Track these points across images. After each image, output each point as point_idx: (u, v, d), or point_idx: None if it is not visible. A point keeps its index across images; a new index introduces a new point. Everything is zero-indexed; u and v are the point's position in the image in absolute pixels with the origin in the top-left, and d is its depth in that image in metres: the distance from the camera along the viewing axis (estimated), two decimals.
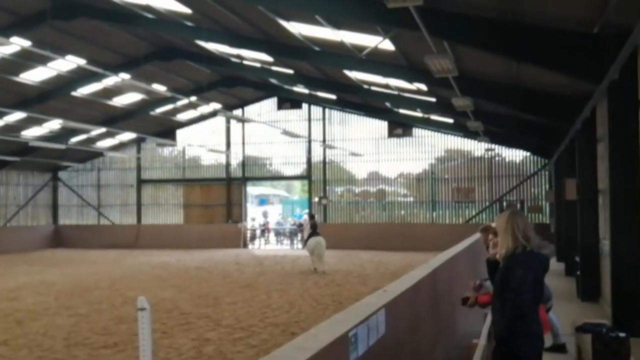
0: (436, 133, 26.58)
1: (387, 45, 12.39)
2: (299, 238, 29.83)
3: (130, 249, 27.68)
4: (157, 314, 9.91)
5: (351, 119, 28.10)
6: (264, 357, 2.57)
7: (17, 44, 13.20)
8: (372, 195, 28.27)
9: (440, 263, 6.32)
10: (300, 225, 29.99)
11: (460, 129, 22.46)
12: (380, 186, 28.16)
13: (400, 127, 26.85)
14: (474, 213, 26.51)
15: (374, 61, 14.07)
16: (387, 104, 23.05)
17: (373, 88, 19.22)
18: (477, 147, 26.03)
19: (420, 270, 5.55)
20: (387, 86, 17.94)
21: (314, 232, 18.03)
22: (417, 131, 27.00)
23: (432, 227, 26.21)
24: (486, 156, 26.12)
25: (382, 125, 27.41)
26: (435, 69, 9.67)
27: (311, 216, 23.66)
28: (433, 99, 18.05)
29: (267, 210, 41.55)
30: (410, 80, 15.30)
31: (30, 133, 24.92)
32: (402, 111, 24.03)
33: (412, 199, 27.75)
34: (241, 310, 10.98)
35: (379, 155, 27.75)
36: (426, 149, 27.05)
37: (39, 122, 22.99)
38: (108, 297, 12.71)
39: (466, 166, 26.62)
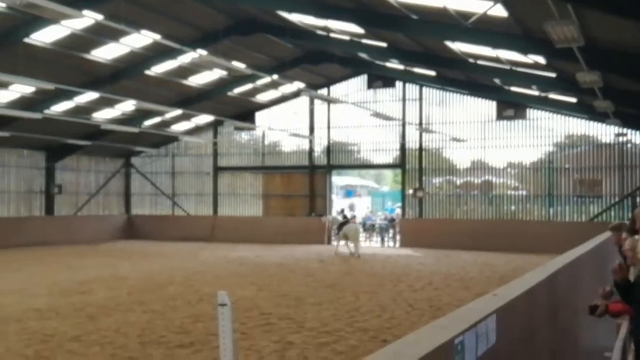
0: (555, 115, 25.59)
1: (498, 11, 12.06)
2: (390, 235, 29.78)
3: (206, 242, 28.75)
4: (235, 314, 10.18)
5: (453, 99, 27.60)
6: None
7: (91, 17, 13.92)
8: (476, 187, 27.68)
9: (560, 266, 6.11)
10: (393, 220, 29.92)
11: (586, 110, 21.58)
12: (487, 177, 27.51)
13: (511, 108, 26.02)
14: (600, 210, 25.33)
15: (482, 30, 13.75)
16: (497, 81, 22.44)
17: (480, 62, 18.80)
18: (606, 132, 24.95)
19: (536, 274, 5.38)
20: (497, 60, 17.50)
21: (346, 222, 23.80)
22: (532, 113, 26.09)
23: (549, 226, 25.34)
24: (617, 143, 24.91)
25: (489, 106, 26.72)
26: (557, 38, 9.31)
27: (342, 210, 26.13)
28: (553, 75, 17.46)
29: (355, 203, 41.73)
30: (526, 52, 14.86)
31: (102, 116, 26.41)
32: (514, 89, 23.34)
33: (524, 192, 26.91)
34: (326, 312, 11.14)
35: (485, 141, 27.09)
36: (543, 133, 26.09)
37: (111, 103, 24.30)
38: (183, 294, 13.28)
39: (592, 154, 25.49)
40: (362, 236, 31.22)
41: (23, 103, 22.41)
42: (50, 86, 16.87)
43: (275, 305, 11.84)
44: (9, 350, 8.29)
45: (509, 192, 27.24)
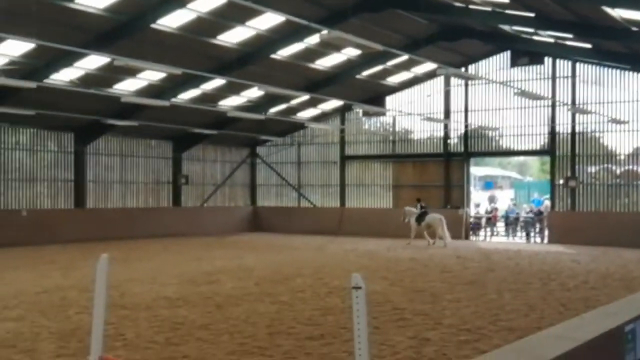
0: None
1: None
2: (537, 229, 28.74)
3: (333, 235, 29.17)
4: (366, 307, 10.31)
5: (611, 75, 26.08)
6: (517, 340, 2.52)
7: None
8: (639, 176, 26.02)
9: None
10: (540, 213, 28.83)
11: None
12: None
13: None
14: None
15: None
16: None
17: None
18: None
19: None
20: None
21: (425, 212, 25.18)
22: None
23: None
24: None
25: None
26: None
27: (418, 200, 26.62)
28: None
29: (495, 195, 40.68)
30: None
31: (228, 103, 27.51)
32: None
33: None
34: (466, 309, 10.93)
35: None
36: None
37: (237, 90, 25.28)
38: (311, 286, 13.57)
39: None
40: (502, 231, 30.47)
41: (150, 91, 23.83)
42: (177, 71, 17.79)
43: (409, 301, 11.79)
44: (139, 335, 8.86)
45: None
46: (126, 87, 23.70)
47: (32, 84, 18.18)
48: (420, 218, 25.15)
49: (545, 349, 2.38)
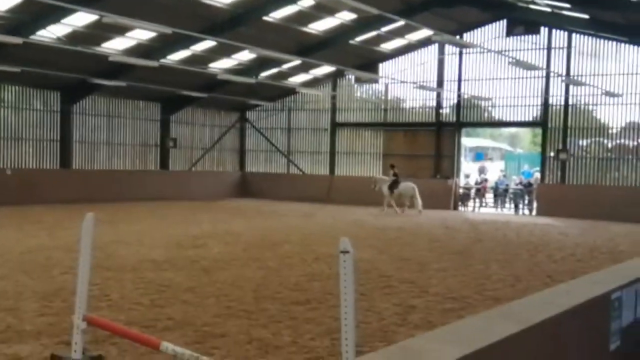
0: None
1: None
2: (526, 201, 28.93)
3: (322, 203, 29.24)
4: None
5: (608, 48, 26.02)
6: (504, 304, 2.54)
7: None
8: (630, 151, 26.14)
9: None
10: (530, 185, 29.00)
11: None
12: None
13: None
14: None
15: None
16: None
17: None
18: None
19: None
20: None
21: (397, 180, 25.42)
22: None
23: None
24: None
25: None
26: None
27: (392, 166, 26.74)
28: None
29: (485, 166, 40.87)
30: None
31: (218, 65, 27.27)
32: None
33: None
34: (452, 279, 11.04)
35: None
36: None
37: (227, 52, 25.02)
38: (299, 253, 13.63)
39: None
40: (491, 202, 30.66)
41: (139, 51, 23.56)
42: (167, 30, 17.57)
43: (396, 269, 11.87)
44: (123, 297, 8.89)
45: None
46: (115, 45, 23.40)
47: (18, 40, 17.92)
48: (392, 186, 25.43)
49: (531, 313, 2.41)
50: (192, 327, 7.36)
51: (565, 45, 26.76)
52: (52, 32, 21.07)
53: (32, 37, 20.42)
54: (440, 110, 30.01)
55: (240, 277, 10.65)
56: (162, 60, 23.96)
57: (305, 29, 24.51)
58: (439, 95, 29.54)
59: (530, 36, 27.16)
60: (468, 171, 35.58)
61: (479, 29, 28.15)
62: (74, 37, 21.66)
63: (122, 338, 6.36)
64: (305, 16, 23.33)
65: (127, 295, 9.03)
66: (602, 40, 25.91)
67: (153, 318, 7.75)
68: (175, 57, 25.33)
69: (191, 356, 5.33)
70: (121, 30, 21.00)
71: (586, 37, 26.21)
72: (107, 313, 7.80)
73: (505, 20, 27.30)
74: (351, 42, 26.58)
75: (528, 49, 27.30)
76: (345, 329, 4.50)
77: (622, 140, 26.38)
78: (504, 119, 29.63)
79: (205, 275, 10.73)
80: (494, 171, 39.29)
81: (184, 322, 7.57)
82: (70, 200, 24.34)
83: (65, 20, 20.49)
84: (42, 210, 21.84)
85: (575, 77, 25.99)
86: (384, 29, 25.37)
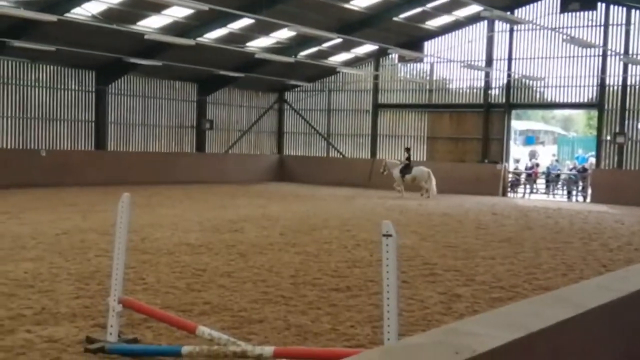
0: None
1: None
2: (579, 187, 28.47)
3: (362, 188, 29.19)
4: None
5: None
6: (551, 291, 2.51)
7: None
8: None
9: None
10: (584, 170, 28.51)
11: None
12: None
13: None
14: None
15: None
16: None
17: None
18: None
19: None
20: None
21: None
22: None
23: None
24: None
25: None
26: None
27: (407, 149, 26.95)
28: None
29: (537, 151, 40.32)
30: None
31: (256, 44, 27.33)
32: None
33: None
34: (500, 267, 10.94)
35: None
36: None
37: (266, 30, 25.04)
38: (338, 238, 13.66)
39: None
40: (543, 188, 30.25)
41: (175, 29, 23.76)
42: (204, 7, 17.66)
43: (441, 256, 11.81)
44: (159, 280, 9.03)
45: None
46: (150, 24, 23.66)
47: (52, 17, 18.22)
48: (404, 170, 25.40)
49: (585, 299, 2.36)
50: (229, 312, 7.45)
51: (624, 21, 26.12)
52: (87, 10, 21.37)
53: (67, 14, 20.73)
54: (489, 91, 29.61)
55: (278, 262, 10.73)
56: (199, 39, 24.10)
57: (346, 6, 24.38)
58: (487, 75, 29.13)
59: (586, 12, 26.54)
60: (518, 156, 35.05)
61: (532, 5, 27.65)
62: (110, 15, 21.93)
63: (158, 322, 6.48)
64: None
65: (163, 278, 9.17)
66: None
67: (189, 302, 7.86)
68: (212, 35, 25.47)
69: (228, 341, 5.40)
70: (157, 8, 21.18)
71: None
72: (143, 296, 7.92)
73: None
74: (395, 19, 26.35)
75: (584, 26, 26.71)
76: (387, 315, 4.51)
77: None
78: (557, 101, 29.10)
79: (242, 260, 10.83)
80: (546, 156, 38.70)
81: (220, 307, 7.66)
82: (105, 183, 24.77)
83: None
84: (76, 192, 22.28)
85: (634, 56, 25.37)
86: (430, 4, 25.11)
